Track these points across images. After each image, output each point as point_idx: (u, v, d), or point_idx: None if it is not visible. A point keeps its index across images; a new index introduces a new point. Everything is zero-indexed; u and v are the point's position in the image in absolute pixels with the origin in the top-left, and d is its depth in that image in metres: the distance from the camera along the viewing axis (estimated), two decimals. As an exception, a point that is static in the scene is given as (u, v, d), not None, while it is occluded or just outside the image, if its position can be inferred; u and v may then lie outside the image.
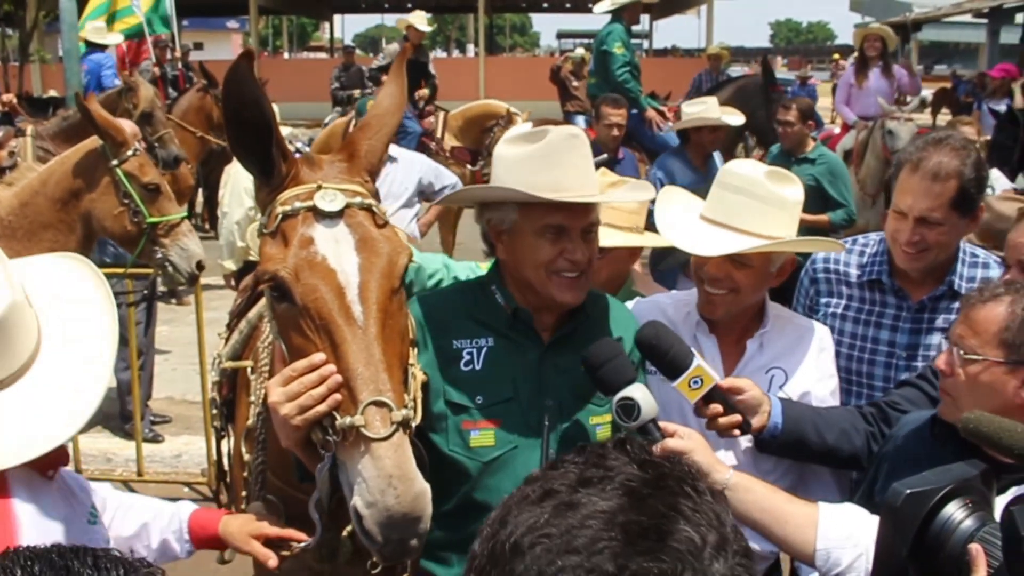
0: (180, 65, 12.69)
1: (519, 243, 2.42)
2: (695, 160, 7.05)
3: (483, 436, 2.41)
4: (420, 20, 11.68)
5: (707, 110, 7.15)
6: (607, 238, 2.96)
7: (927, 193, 2.92)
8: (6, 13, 19.52)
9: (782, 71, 44.17)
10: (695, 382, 2.35)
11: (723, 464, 2.32)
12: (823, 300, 3.28)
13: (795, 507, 2.29)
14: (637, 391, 2.22)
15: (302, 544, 2.40)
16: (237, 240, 6.44)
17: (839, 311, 3.22)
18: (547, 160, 2.35)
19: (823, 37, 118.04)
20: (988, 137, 9.78)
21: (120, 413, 6.88)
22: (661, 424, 2.29)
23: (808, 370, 2.79)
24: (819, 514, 2.25)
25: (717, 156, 7.31)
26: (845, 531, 2.20)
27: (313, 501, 2.27)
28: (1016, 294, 2.32)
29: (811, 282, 3.33)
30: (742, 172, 2.73)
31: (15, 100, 8.47)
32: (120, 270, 5.99)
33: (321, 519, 2.28)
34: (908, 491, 1.52)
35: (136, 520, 2.48)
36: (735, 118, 7.56)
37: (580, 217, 2.38)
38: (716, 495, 1.06)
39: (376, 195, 2.34)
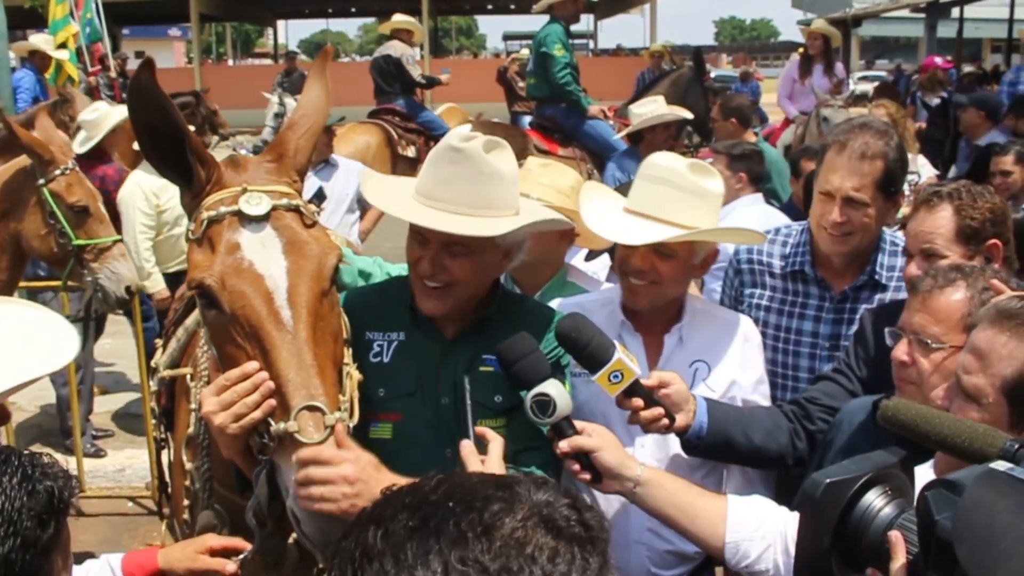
0: (117, 74, 12.50)
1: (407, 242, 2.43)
2: None
3: (381, 429, 2.39)
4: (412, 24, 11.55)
5: (658, 108, 7.11)
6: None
7: (855, 172, 2.95)
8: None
9: (727, 68, 44.64)
10: (615, 376, 2.31)
11: (634, 460, 2.30)
12: (747, 291, 3.30)
13: (705, 501, 2.29)
14: (552, 387, 2.19)
15: (243, 554, 2.37)
16: (142, 262, 6.37)
17: (763, 302, 3.23)
18: (454, 167, 2.31)
19: (767, 34, 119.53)
20: (921, 125, 9.89)
21: (60, 428, 6.77)
22: (575, 422, 2.26)
23: (732, 361, 2.79)
24: (728, 508, 2.26)
25: None
26: (753, 524, 2.22)
27: (251, 508, 2.25)
28: (968, 277, 2.33)
29: (735, 273, 3.35)
30: (664, 163, 2.71)
31: (-57, 112, 8.28)
32: (55, 283, 5.88)
33: (259, 525, 2.25)
34: (827, 481, 1.51)
35: None
36: (686, 112, 7.55)
37: (437, 232, 2.31)
38: None
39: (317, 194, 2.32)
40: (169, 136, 2.15)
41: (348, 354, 2.29)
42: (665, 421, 2.43)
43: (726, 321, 2.88)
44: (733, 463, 2.73)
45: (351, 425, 2.11)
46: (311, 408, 1.99)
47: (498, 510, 1.02)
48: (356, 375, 2.27)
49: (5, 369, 1.85)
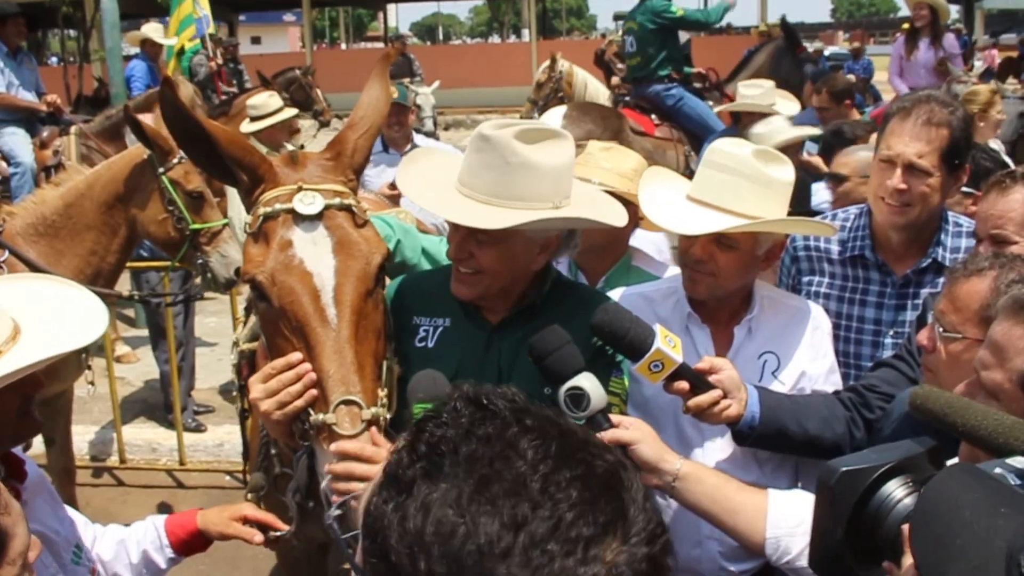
0: (224, 62, 12.76)
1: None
2: None
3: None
4: None
5: (763, 95, 6.88)
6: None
7: (919, 137, 2.86)
8: (66, 15, 19.93)
9: (843, 46, 43.27)
10: (655, 366, 2.25)
11: (673, 454, 2.25)
12: (805, 279, 3.18)
13: (745, 496, 2.24)
14: (586, 381, 2.14)
15: (280, 532, 2.47)
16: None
17: (822, 290, 3.13)
18: (481, 155, 2.28)
19: (886, 10, 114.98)
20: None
21: (164, 403, 7.04)
22: (611, 415, 2.23)
23: (802, 351, 2.66)
24: (768, 503, 2.21)
25: None
26: (795, 519, 2.15)
27: (291, 490, 2.39)
28: (1001, 268, 2.20)
29: (792, 260, 3.23)
30: (729, 150, 2.57)
31: (59, 100, 8.65)
32: (159, 263, 6.12)
33: (298, 506, 2.37)
34: (843, 469, 1.47)
35: (112, 540, 2.48)
36: (791, 104, 7.19)
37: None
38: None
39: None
40: (206, 142, 2.28)
41: (390, 349, 2.36)
42: (725, 402, 2.33)
43: (795, 309, 2.74)
44: (787, 453, 2.61)
45: (389, 416, 2.20)
46: (348, 402, 2.09)
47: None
48: (396, 369, 2.35)
49: (34, 343, 1.94)
